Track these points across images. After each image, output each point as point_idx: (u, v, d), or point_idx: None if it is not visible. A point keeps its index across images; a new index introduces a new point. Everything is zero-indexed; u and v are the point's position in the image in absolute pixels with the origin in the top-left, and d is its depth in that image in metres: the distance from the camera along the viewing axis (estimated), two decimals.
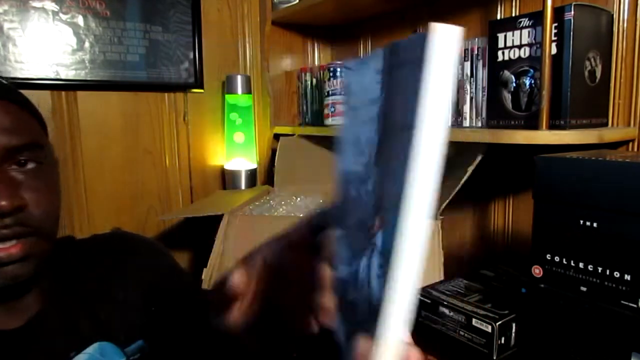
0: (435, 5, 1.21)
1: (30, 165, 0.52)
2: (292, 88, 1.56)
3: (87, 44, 1.27)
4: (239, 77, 1.48)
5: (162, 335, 0.65)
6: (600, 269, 0.62)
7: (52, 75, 1.24)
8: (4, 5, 1.16)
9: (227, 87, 1.49)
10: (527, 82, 0.84)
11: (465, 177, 0.94)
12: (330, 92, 1.30)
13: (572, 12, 0.76)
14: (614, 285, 0.61)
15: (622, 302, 0.60)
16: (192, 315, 0.62)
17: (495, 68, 0.89)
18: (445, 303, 0.83)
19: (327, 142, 1.40)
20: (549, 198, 0.67)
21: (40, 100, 1.24)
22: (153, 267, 0.70)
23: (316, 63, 1.61)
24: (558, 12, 0.77)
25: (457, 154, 0.96)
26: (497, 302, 0.82)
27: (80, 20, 1.26)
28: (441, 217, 1.04)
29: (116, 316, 0.62)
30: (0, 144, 0.49)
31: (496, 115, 0.90)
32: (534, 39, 0.82)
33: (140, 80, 1.37)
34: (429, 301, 0.86)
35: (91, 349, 0.57)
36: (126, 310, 0.63)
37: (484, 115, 0.97)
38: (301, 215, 1.13)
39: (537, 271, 0.69)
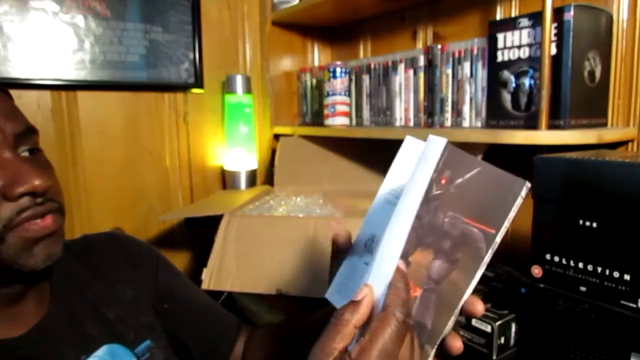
0: (435, 5, 1.21)
1: (35, 149, 0.53)
2: (292, 88, 1.57)
3: (87, 44, 1.27)
4: (239, 77, 1.47)
5: (171, 334, 0.65)
6: (599, 269, 0.62)
7: (52, 75, 1.24)
8: (4, 5, 1.16)
9: (227, 87, 1.49)
10: (527, 83, 0.84)
11: None
12: (330, 93, 1.29)
13: (572, 13, 0.76)
14: (613, 285, 0.61)
15: (622, 302, 0.60)
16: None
17: (494, 68, 0.89)
18: None
19: (327, 142, 1.40)
20: (549, 198, 0.67)
21: (40, 100, 1.24)
22: (156, 266, 0.69)
23: (316, 63, 1.60)
24: (557, 13, 0.77)
25: None
26: (497, 302, 0.82)
27: (80, 20, 1.26)
28: None
29: (123, 316, 0.61)
30: (9, 129, 0.49)
31: (496, 116, 0.90)
32: (534, 39, 0.82)
33: (141, 81, 1.37)
34: None
35: (101, 351, 0.56)
36: (133, 309, 0.62)
37: (483, 115, 0.97)
38: (301, 215, 1.13)
39: (536, 271, 0.70)
